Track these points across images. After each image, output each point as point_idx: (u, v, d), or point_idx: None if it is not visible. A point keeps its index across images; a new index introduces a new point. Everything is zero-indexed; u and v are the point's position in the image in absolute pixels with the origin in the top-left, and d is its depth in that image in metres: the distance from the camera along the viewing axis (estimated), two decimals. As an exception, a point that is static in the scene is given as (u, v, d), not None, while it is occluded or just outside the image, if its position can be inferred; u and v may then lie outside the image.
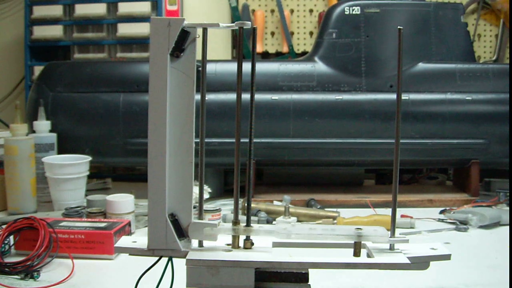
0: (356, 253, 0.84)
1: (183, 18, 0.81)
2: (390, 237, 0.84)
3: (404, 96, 1.82)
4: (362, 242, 0.88)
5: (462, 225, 1.57)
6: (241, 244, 0.86)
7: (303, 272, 0.81)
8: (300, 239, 0.85)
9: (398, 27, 0.85)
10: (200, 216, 0.85)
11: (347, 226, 0.86)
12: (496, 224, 1.59)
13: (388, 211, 1.64)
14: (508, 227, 1.57)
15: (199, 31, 0.82)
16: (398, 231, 0.88)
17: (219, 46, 2.41)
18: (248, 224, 0.86)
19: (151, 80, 0.80)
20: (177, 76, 0.81)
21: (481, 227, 1.57)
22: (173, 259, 0.84)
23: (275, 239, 0.89)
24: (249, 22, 0.82)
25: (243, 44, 0.85)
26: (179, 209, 0.83)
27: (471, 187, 1.88)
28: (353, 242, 0.84)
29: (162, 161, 0.80)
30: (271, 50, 2.65)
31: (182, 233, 0.82)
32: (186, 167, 0.82)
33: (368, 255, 0.85)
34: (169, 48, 0.80)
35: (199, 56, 0.83)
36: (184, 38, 0.81)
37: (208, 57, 0.85)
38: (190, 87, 0.81)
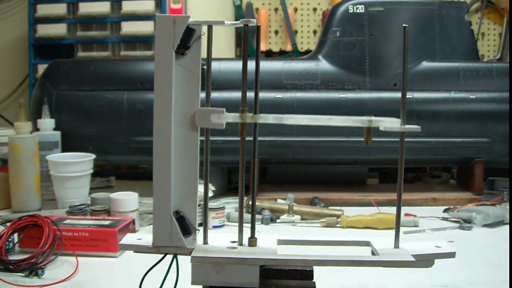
0: (367, 142, 0.83)
1: (188, 16, 0.81)
2: (400, 126, 0.83)
3: (408, 95, 1.81)
4: (367, 240, 0.88)
5: (466, 223, 1.57)
6: (245, 241, 0.86)
7: (308, 269, 0.81)
8: (309, 123, 0.85)
9: (403, 25, 0.85)
10: (205, 214, 0.85)
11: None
12: (500, 222, 1.59)
13: (392, 209, 1.65)
14: (511, 225, 1.57)
15: (204, 28, 0.82)
16: (402, 229, 0.88)
17: (222, 44, 2.42)
18: (253, 224, 0.86)
19: (156, 77, 0.80)
20: (182, 73, 0.81)
21: (485, 225, 1.57)
22: (178, 256, 0.84)
23: (279, 236, 0.89)
24: (254, 20, 0.82)
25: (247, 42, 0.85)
26: (184, 207, 0.83)
27: (475, 186, 1.88)
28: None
29: (167, 159, 0.80)
30: (275, 48, 2.65)
31: (187, 230, 0.82)
32: (191, 164, 0.82)
33: (373, 253, 0.85)
34: (174, 45, 0.80)
35: (204, 54, 0.83)
36: (189, 35, 0.80)
37: (212, 56, 0.85)
38: (195, 85, 0.81)
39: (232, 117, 0.83)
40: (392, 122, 0.82)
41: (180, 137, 0.82)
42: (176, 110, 0.81)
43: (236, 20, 2.41)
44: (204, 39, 0.82)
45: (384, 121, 0.82)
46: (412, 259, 0.80)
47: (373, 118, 0.82)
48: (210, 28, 0.82)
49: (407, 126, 0.83)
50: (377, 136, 1.82)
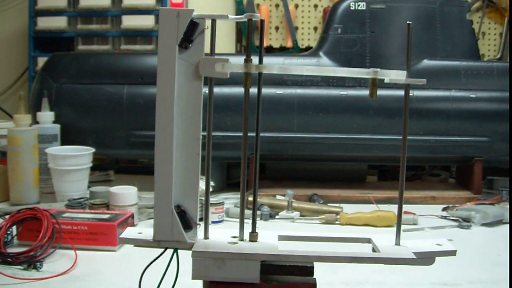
0: (372, 94, 0.83)
1: (192, 9, 0.80)
2: (405, 78, 0.83)
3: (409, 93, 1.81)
4: (368, 237, 0.88)
5: (465, 222, 1.57)
6: (246, 237, 0.85)
7: (309, 265, 0.81)
8: (313, 73, 0.84)
9: (408, 22, 0.84)
10: (206, 208, 0.85)
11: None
12: (499, 222, 1.59)
13: (391, 207, 1.65)
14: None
15: (208, 22, 0.82)
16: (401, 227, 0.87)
17: (223, 40, 2.41)
18: (254, 219, 0.86)
19: (159, 71, 0.80)
20: (185, 67, 0.81)
21: (484, 224, 1.57)
22: (178, 251, 0.84)
23: (279, 232, 0.89)
24: (258, 14, 0.82)
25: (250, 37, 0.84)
26: (185, 201, 0.82)
27: (474, 185, 1.88)
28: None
29: (169, 152, 0.80)
30: (275, 44, 2.65)
31: (188, 224, 0.82)
32: (193, 159, 0.82)
33: (374, 250, 0.85)
34: (177, 39, 0.80)
35: (207, 48, 0.82)
36: (192, 29, 0.80)
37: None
38: (198, 78, 0.81)
39: (237, 66, 0.82)
40: (397, 74, 0.82)
41: (182, 132, 0.81)
42: (178, 104, 0.81)
43: (237, 15, 2.41)
44: (207, 33, 0.82)
45: (389, 73, 0.82)
46: (413, 256, 0.80)
47: (379, 69, 0.82)
48: (213, 22, 0.82)
49: (412, 79, 0.83)
50: (378, 134, 1.83)
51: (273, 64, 0.83)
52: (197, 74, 0.81)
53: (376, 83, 0.82)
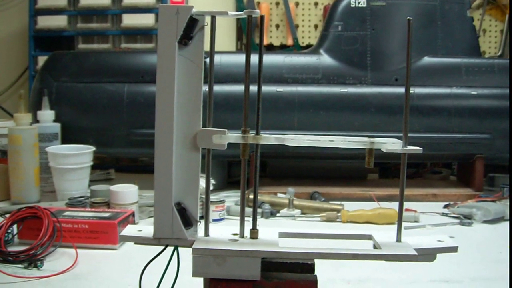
0: (368, 163, 0.82)
1: (192, 6, 0.80)
2: (403, 146, 0.83)
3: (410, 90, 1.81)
4: (369, 234, 0.87)
5: (466, 219, 1.57)
6: (246, 234, 0.85)
7: (309, 262, 0.80)
8: (311, 145, 0.84)
9: (408, 17, 0.84)
10: (206, 205, 0.84)
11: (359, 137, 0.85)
12: (500, 219, 1.59)
13: (392, 204, 1.65)
14: None
15: (208, 19, 0.81)
16: (402, 224, 0.87)
17: (224, 38, 2.41)
18: (254, 215, 0.86)
19: (159, 67, 0.79)
20: (185, 63, 0.80)
21: (485, 221, 1.56)
22: (179, 248, 0.83)
23: (280, 229, 0.89)
24: (258, 11, 0.82)
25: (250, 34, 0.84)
26: (185, 198, 0.82)
27: (475, 182, 1.87)
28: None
29: (169, 149, 0.80)
30: (276, 42, 2.64)
31: (188, 222, 0.81)
32: (193, 156, 0.82)
33: (375, 247, 0.84)
34: (177, 35, 0.79)
35: (206, 45, 0.82)
36: (192, 25, 0.80)
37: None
38: (197, 75, 0.81)
39: (234, 137, 0.82)
40: (394, 144, 0.82)
41: (182, 127, 0.81)
42: (179, 100, 0.80)
43: (237, 13, 2.41)
44: (207, 30, 0.82)
45: (386, 142, 0.82)
46: (415, 253, 0.79)
47: (375, 139, 0.82)
48: (213, 19, 0.81)
49: (408, 147, 0.83)
50: (379, 131, 1.83)
51: (271, 135, 0.83)
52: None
53: (373, 153, 0.82)
